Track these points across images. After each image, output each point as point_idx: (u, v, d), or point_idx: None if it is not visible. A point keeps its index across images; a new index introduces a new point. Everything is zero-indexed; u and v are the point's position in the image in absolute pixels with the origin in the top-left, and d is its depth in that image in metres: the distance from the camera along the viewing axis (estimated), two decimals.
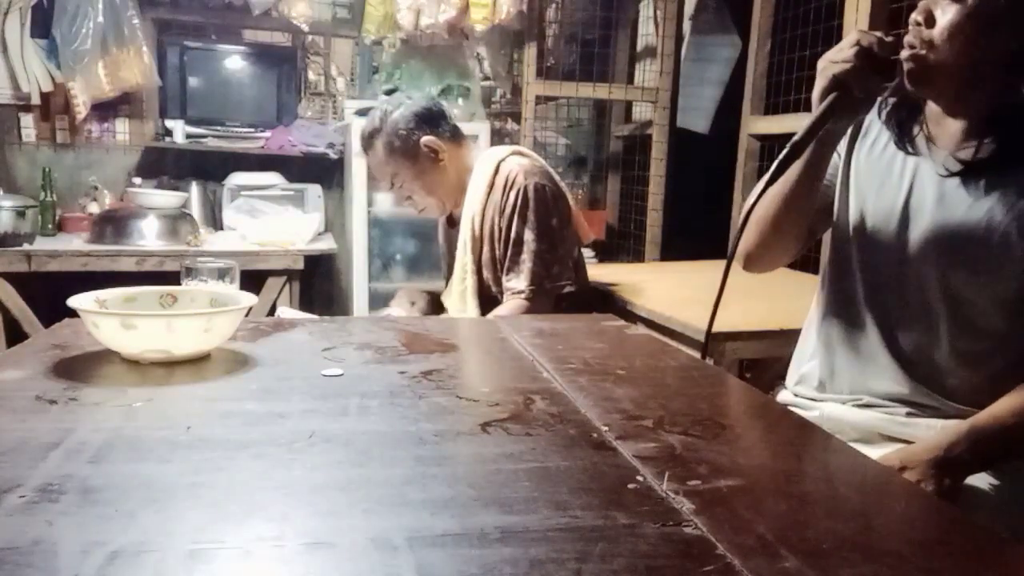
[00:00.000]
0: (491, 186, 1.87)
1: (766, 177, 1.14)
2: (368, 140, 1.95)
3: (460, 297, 1.91)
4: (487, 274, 1.89)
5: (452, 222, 2.01)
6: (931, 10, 1.04)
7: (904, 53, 1.05)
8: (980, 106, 1.08)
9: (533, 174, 1.83)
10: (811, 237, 1.31)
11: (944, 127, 1.14)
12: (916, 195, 1.14)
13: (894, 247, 1.16)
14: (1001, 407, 1.07)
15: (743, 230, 1.15)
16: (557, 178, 1.92)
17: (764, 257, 1.27)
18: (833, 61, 1.07)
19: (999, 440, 1.07)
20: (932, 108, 1.16)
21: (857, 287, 1.21)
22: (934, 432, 1.11)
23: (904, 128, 1.17)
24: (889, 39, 1.07)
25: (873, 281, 1.19)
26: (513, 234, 1.82)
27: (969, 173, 1.09)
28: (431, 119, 1.94)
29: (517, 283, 1.80)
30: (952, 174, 1.10)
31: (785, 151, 1.09)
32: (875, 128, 1.22)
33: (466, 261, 1.90)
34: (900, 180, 1.16)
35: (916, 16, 1.06)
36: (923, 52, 1.04)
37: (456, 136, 1.97)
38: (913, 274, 1.14)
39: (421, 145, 1.90)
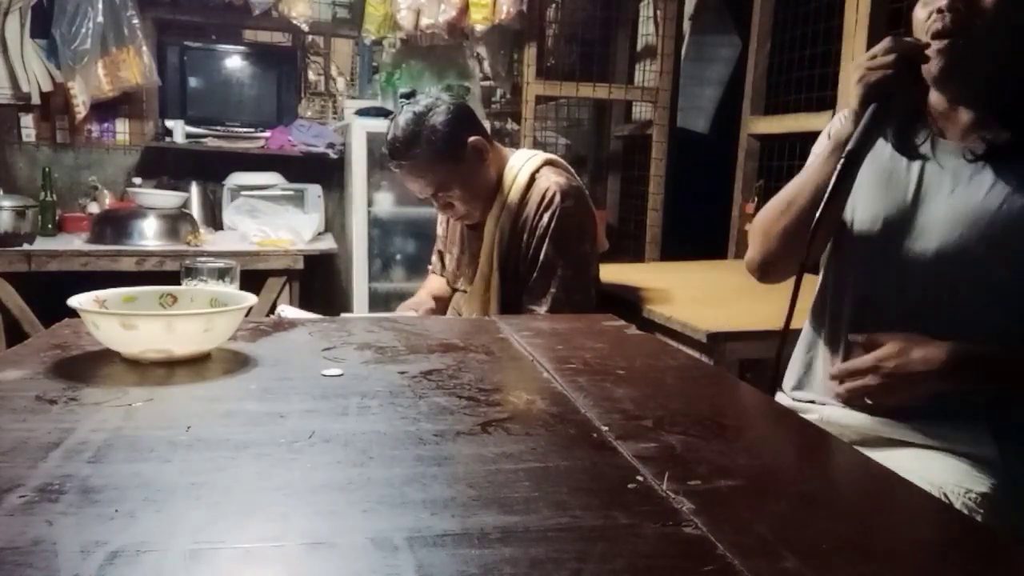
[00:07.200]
0: (524, 199, 1.79)
1: (797, 179, 1.15)
2: (405, 149, 1.76)
3: (482, 307, 1.87)
4: (508, 289, 1.85)
5: (473, 224, 1.97)
6: None
7: (936, 44, 1.05)
8: (999, 94, 1.10)
9: (569, 195, 1.77)
10: (825, 244, 1.32)
11: (953, 119, 1.15)
12: (926, 190, 1.15)
13: (902, 242, 1.16)
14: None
15: (811, 245, 1.13)
16: (587, 194, 1.86)
17: (785, 268, 1.27)
18: (870, 68, 1.06)
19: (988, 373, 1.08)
20: (937, 103, 1.16)
21: (857, 281, 1.22)
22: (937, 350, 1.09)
23: (905, 136, 1.18)
24: (922, 43, 1.07)
25: (877, 276, 1.20)
26: (543, 257, 1.76)
27: (985, 160, 1.10)
28: (470, 117, 1.83)
29: (538, 307, 1.76)
30: (977, 157, 1.10)
31: (841, 163, 1.08)
32: None
33: (492, 275, 1.84)
34: (907, 179, 1.17)
35: (947, 2, 1.05)
36: (961, 42, 1.04)
37: (488, 133, 1.88)
38: (922, 267, 1.14)
39: (468, 146, 1.77)
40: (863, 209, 1.21)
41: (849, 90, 1.12)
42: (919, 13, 1.11)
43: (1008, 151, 1.09)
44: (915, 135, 1.17)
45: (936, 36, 1.06)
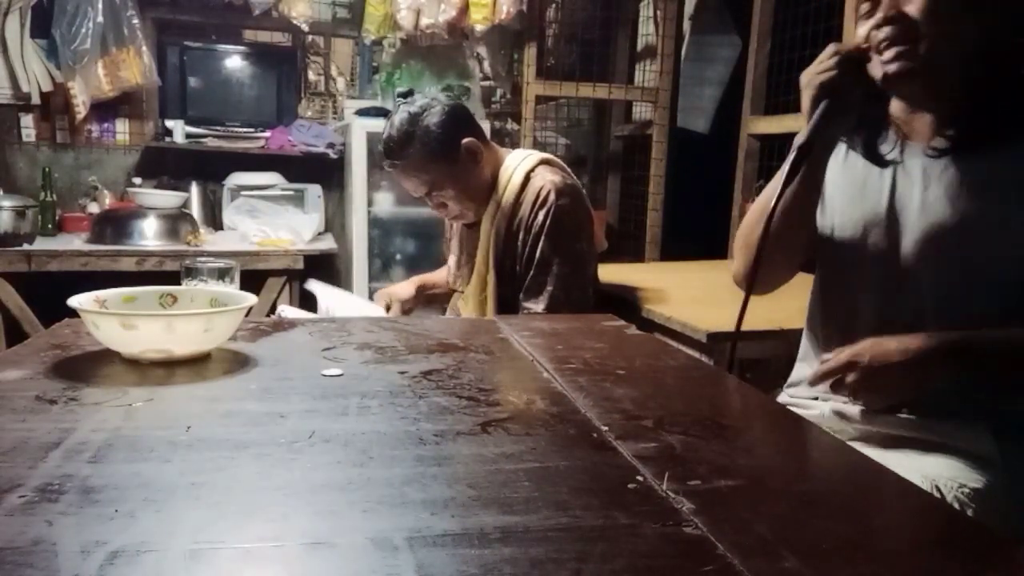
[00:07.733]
0: (519, 199, 1.79)
1: (770, 187, 1.15)
2: (399, 148, 1.77)
3: (478, 307, 1.87)
4: (505, 288, 1.84)
5: (470, 223, 1.97)
6: (898, 6, 1.06)
7: (886, 55, 1.07)
8: (953, 92, 1.11)
9: (564, 193, 1.76)
10: (810, 253, 1.32)
11: (917, 123, 1.17)
12: (900, 194, 1.16)
13: (882, 247, 1.17)
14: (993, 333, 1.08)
15: (764, 237, 1.15)
16: (584, 193, 1.86)
17: (770, 278, 1.27)
18: (816, 73, 1.12)
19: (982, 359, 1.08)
20: (900, 110, 1.19)
21: (843, 291, 1.23)
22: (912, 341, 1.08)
23: (871, 145, 1.20)
24: (864, 46, 1.11)
25: (861, 284, 1.21)
26: (539, 255, 1.76)
27: (952, 157, 1.11)
28: (465, 118, 1.83)
29: (534, 305, 1.76)
30: (941, 153, 1.12)
31: (793, 155, 1.11)
32: (843, 145, 1.25)
33: (487, 275, 1.84)
34: (880, 183, 1.19)
35: (882, 16, 1.08)
36: (908, 48, 1.06)
37: (484, 134, 1.88)
38: (903, 270, 1.15)
39: (462, 147, 1.78)
40: (842, 217, 1.23)
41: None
42: (860, 31, 1.14)
43: (972, 145, 1.11)
44: (883, 143, 1.20)
45: (883, 49, 1.09)
